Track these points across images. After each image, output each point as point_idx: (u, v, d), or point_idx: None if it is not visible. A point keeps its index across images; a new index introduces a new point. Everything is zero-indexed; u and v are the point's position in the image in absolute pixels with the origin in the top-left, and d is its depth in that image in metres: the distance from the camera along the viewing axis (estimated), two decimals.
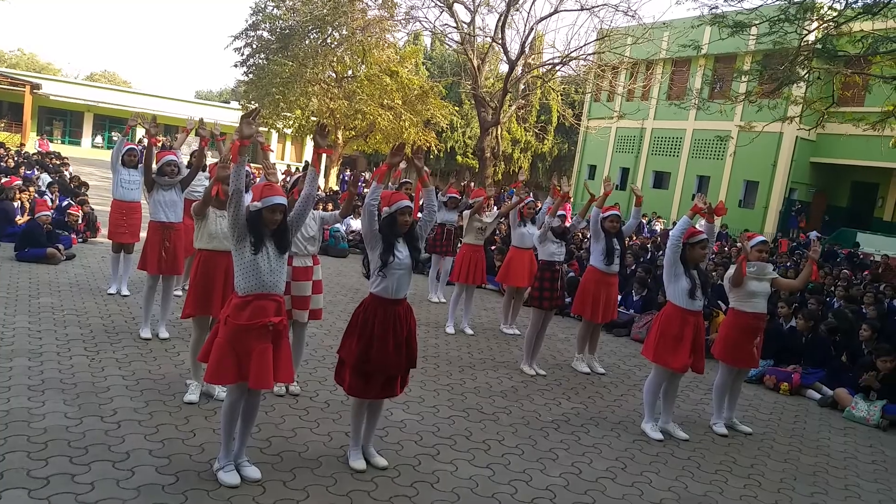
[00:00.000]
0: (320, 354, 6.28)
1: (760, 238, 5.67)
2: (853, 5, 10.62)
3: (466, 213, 8.24)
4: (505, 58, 21.73)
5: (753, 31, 11.81)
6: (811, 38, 11.84)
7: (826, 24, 11.39)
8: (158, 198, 6.18)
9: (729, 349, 5.54)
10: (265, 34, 24.88)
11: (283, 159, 39.02)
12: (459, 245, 8.57)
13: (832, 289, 11.34)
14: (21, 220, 10.21)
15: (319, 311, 5.21)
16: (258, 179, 5.35)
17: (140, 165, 7.29)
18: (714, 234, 5.54)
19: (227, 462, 3.71)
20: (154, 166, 6.30)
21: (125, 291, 7.67)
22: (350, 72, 25.51)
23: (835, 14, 11.26)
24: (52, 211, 10.19)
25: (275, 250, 3.68)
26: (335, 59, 24.47)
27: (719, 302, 9.12)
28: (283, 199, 3.66)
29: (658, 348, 5.17)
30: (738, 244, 5.85)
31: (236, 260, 3.66)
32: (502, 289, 10.71)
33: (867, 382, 6.46)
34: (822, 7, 11.52)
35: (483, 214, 8.08)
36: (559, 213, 6.66)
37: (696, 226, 5.46)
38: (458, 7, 21.43)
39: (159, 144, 6.62)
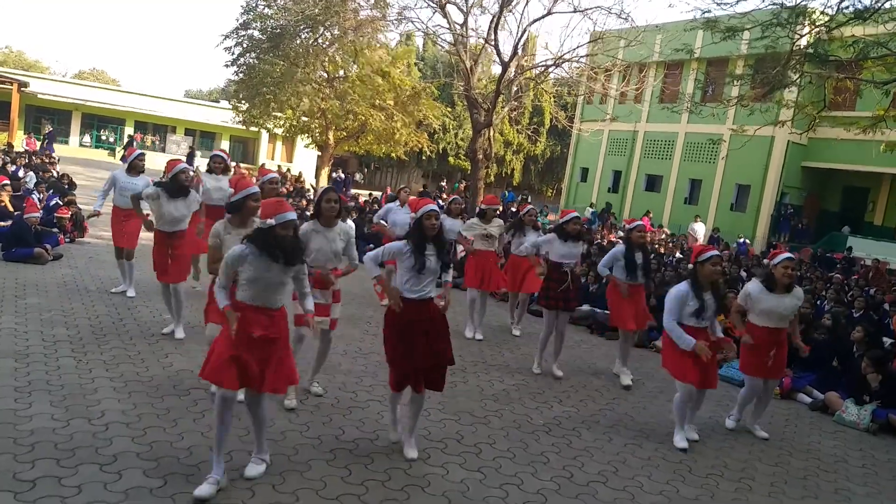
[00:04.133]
0: (310, 359, 6.21)
1: (786, 255, 5.49)
2: (844, 11, 10.66)
3: (472, 220, 8.12)
4: (497, 59, 21.72)
5: (746, 35, 11.85)
6: (803, 42, 11.89)
7: (818, 29, 11.44)
8: (167, 209, 6.28)
9: (749, 362, 5.57)
10: (256, 33, 24.77)
11: (272, 159, 38.90)
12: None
13: (823, 293, 11.40)
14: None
15: (334, 321, 5.16)
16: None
17: (141, 174, 7.66)
18: None
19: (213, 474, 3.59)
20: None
21: (131, 293, 7.70)
22: (342, 72, 25.43)
23: (826, 19, 11.31)
24: (40, 211, 10.07)
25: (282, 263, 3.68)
26: (327, 58, 24.40)
27: None
28: (294, 216, 3.72)
29: (678, 363, 5.07)
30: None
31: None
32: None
33: None
34: (813, 12, 11.56)
35: (489, 222, 7.91)
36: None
37: None
38: (450, 8, 21.40)
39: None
